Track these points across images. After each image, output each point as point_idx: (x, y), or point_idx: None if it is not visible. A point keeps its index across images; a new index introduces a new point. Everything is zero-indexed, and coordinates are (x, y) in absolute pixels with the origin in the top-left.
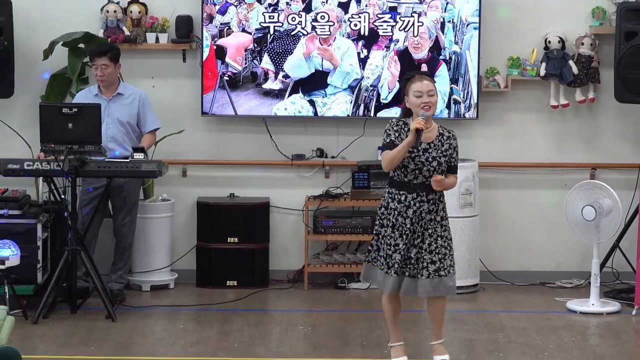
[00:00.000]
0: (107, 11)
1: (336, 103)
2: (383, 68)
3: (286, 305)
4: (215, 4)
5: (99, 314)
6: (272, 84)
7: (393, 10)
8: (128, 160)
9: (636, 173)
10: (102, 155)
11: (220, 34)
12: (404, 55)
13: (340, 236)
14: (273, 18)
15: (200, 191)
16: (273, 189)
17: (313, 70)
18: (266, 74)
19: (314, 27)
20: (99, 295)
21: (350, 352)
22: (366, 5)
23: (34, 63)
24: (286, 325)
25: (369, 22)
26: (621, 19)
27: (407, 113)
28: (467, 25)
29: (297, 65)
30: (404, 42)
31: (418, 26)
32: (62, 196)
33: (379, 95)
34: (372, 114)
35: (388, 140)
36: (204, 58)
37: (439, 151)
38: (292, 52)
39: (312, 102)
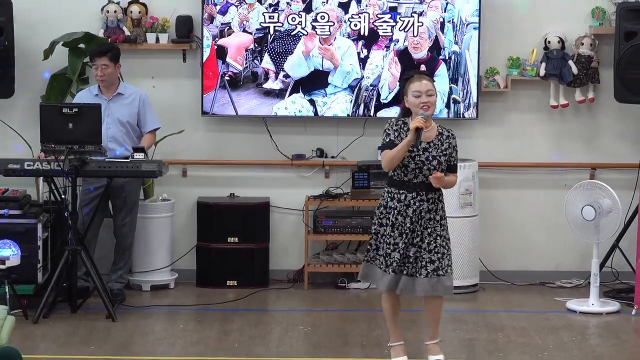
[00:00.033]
0: (108, 11)
1: (336, 102)
2: (383, 68)
3: (286, 305)
4: (216, 4)
5: (99, 313)
6: (272, 84)
7: (393, 10)
8: (128, 160)
9: (636, 173)
10: (103, 155)
11: (221, 34)
12: (403, 55)
13: (340, 236)
14: (273, 18)
15: (201, 191)
16: (273, 189)
17: (312, 69)
18: (267, 73)
19: (314, 27)
20: (99, 295)
21: (350, 351)
22: (366, 6)
23: (34, 63)
24: (286, 325)
25: (368, 22)
26: (621, 19)
27: (406, 113)
28: (467, 25)
29: (296, 65)
30: (404, 42)
31: (418, 26)
32: (63, 196)
33: (379, 94)
34: (372, 114)
35: (388, 140)
36: (205, 58)
37: (438, 150)
38: (292, 52)
39: (312, 102)
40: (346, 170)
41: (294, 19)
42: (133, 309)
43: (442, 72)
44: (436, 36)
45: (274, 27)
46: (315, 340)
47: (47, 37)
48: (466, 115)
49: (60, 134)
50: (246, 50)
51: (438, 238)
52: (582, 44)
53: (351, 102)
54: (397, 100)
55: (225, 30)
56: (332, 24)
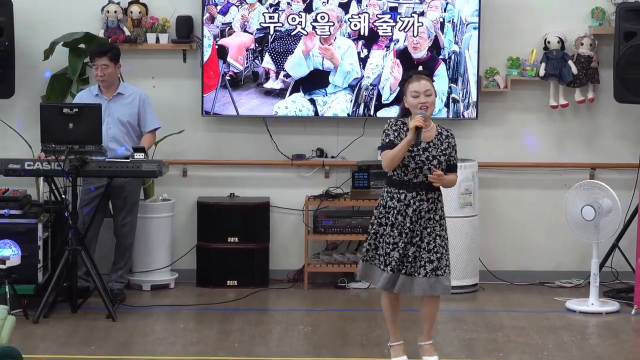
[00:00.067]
0: (108, 11)
1: (337, 102)
2: (383, 67)
3: (286, 304)
4: (216, 5)
5: (100, 313)
6: (273, 84)
7: (393, 10)
8: (128, 160)
9: (635, 173)
10: (103, 155)
11: (222, 34)
12: (403, 55)
13: (340, 236)
14: (273, 18)
15: (201, 191)
16: (273, 189)
17: (312, 69)
18: (267, 73)
19: (314, 28)
20: (100, 294)
21: (350, 351)
22: (367, 6)
23: (34, 63)
24: (286, 325)
25: (368, 23)
26: (620, 19)
27: (406, 113)
28: (467, 25)
29: (296, 64)
30: (404, 42)
31: (418, 26)
32: (63, 196)
33: (379, 94)
34: (372, 113)
35: (387, 141)
36: (206, 58)
37: (438, 150)
38: (292, 52)
39: (312, 101)
40: (346, 170)
41: (293, 19)
42: (133, 308)
43: (441, 71)
44: (436, 36)
45: (274, 27)
46: (315, 340)
47: (48, 37)
48: (465, 114)
49: (61, 134)
50: (247, 50)
51: (437, 238)
52: (582, 44)
53: (351, 101)
54: (398, 99)
55: (226, 30)
56: (332, 24)
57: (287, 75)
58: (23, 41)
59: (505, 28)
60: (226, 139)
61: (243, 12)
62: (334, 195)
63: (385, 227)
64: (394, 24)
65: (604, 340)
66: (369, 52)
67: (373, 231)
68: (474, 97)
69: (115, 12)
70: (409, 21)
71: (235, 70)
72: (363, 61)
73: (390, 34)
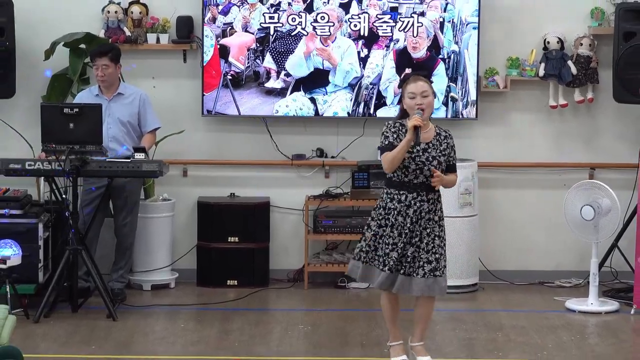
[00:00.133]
0: (108, 12)
1: (337, 100)
2: (383, 67)
3: (286, 304)
4: (218, 5)
5: (100, 313)
6: (274, 83)
7: (394, 10)
8: (129, 160)
9: (635, 173)
10: (103, 155)
11: (224, 34)
12: (402, 55)
13: (340, 236)
14: (274, 18)
15: (201, 191)
16: (273, 189)
17: (312, 69)
18: (268, 73)
19: (314, 28)
20: (100, 294)
21: (350, 351)
22: (367, 6)
23: (35, 63)
24: (286, 325)
25: (368, 23)
26: (620, 19)
27: (405, 114)
28: (467, 25)
29: (297, 64)
30: (404, 42)
31: (418, 26)
32: (63, 196)
33: (379, 93)
34: (372, 112)
35: (387, 142)
36: (208, 58)
37: (437, 150)
38: (293, 52)
39: (313, 100)
40: (346, 170)
41: (294, 19)
42: (134, 308)
43: (440, 71)
44: (435, 35)
45: (275, 27)
46: (315, 339)
47: (48, 38)
48: (464, 114)
49: (61, 134)
50: (248, 50)
51: (436, 238)
52: (581, 44)
53: (351, 100)
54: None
55: (228, 30)
56: (332, 24)
57: (288, 75)
58: (24, 41)
59: (505, 28)
60: (226, 139)
61: (244, 13)
62: (334, 195)
63: (385, 229)
64: (394, 24)
65: (604, 339)
66: (369, 51)
67: (372, 232)
68: (472, 97)
69: (116, 12)
70: (409, 21)
71: (237, 70)
72: (363, 61)
73: (390, 34)
